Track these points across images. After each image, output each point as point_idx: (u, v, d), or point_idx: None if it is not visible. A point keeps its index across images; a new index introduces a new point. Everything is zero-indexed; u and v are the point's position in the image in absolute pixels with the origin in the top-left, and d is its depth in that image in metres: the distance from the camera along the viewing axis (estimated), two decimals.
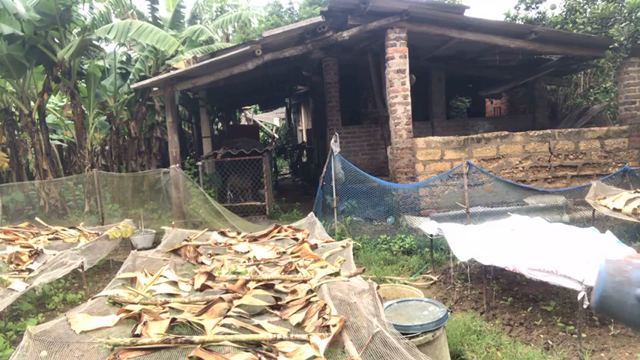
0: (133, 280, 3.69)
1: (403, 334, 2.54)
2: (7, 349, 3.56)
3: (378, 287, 2.96)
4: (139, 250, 4.99)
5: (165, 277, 3.75)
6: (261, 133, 20.95)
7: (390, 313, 2.93)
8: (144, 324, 2.67)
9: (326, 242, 4.72)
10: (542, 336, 3.57)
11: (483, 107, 14.04)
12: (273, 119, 25.01)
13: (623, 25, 7.07)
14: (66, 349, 2.44)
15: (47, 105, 9.88)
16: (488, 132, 7.75)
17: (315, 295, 3.13)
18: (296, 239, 4.94)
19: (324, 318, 2.72)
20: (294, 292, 3.26)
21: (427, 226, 5.12)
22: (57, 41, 8.73)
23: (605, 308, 1.45)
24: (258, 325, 2.74)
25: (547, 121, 10.39)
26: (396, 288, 4.19)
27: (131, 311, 2.89)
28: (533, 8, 10.60)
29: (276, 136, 22.98)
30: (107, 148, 9.69)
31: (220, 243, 5.02)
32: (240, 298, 3.14)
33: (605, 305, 1.43)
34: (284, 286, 3.44)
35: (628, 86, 7.46)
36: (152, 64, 9.40)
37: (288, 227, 5.44)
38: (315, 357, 2.33)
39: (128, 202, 8.53)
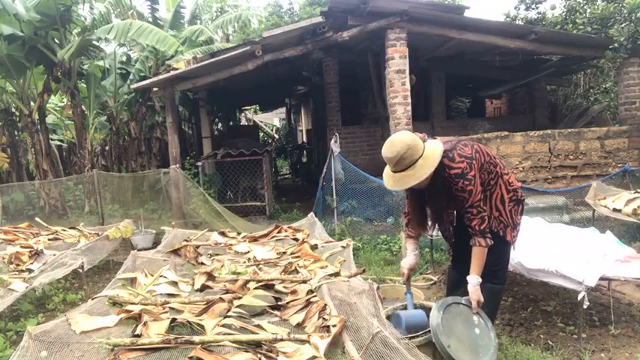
0: (133, 281, 3.69)
1: None
2: (7, 349, 3.56)
3: (378, 288, 2.96)
4: (139, 250, 4.99)
5: (165, 277, 3.75)
6: (261, 134, 20.93)
7: None
8: (144, 324, 2.67)
9: (326, 242, 4.72)
10: (542, 336, 3.57)
11: (483, 107, 14.02)
12: (273, 119, 24.99)
13: (623, 25, 7.07)
14: (66, 349, 2.44)
15: (47, 105, 9.87)
16: (488, 132, 7.75)
17: (315, 296, 3.13)
18: (296, 239, 4.94)
19: (324, 318, 2.72)
20: (294, 292, 3.26)
21: None
22: (57, 41, 8.73)
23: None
24: (258, 326, 2.74)
25: (547, 122, 10.38)
26: (396, 288, 4.19)
27: (131, 311, 2.89)
28: (533, 8, 10.60)
29: (276, 136, 22.97)
30: (107, 148, 9.68)
31: (220, 243, 5.01)
32: (240, 298, 3.14)
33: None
34: (284, 287, 3.43)
35: (628, 86, 7.46)
36: (152, 65, 9.40)
37: (288, 227, 5.44)
38: (315, 357, 2.33)
39: (128, 202, 8.53)
